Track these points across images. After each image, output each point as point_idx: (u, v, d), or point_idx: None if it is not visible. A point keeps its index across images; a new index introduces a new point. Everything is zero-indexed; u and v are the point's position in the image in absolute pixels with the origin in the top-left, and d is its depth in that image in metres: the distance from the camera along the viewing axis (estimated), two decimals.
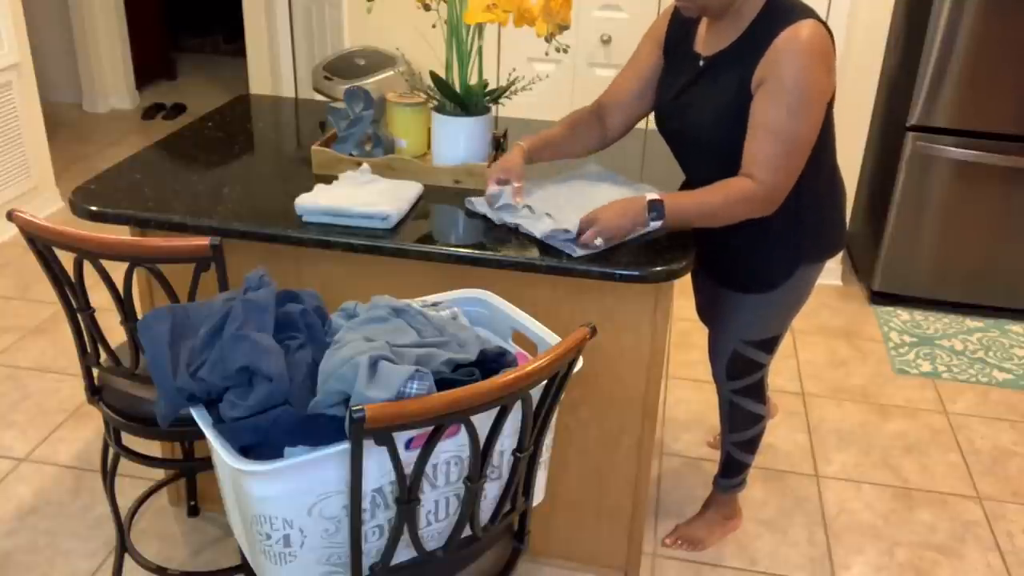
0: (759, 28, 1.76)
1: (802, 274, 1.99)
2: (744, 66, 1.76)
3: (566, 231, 1.81)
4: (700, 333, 3.38)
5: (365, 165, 2.07)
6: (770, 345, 2.11)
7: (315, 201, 1.88)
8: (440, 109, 2.08)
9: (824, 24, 1.74)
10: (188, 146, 2.30)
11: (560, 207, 1.92)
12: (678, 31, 1.95)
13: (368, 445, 1.19)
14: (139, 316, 1.55)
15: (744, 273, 2.01)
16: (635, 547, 2.20)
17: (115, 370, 1.84)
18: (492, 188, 1.93)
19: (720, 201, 1.79)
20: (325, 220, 1.87)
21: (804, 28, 1.70)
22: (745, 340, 2.09)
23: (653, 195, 1.81)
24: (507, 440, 1.38)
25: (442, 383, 1.28)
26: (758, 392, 2.19)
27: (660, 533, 2.41)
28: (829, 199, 1.98)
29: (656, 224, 1.81)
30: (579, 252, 1.79)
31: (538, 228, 1.84)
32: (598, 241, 1.78)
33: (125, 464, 2.44)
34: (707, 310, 2.25)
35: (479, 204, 1.96)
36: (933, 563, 2.36)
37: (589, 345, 1.94)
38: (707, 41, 1.87)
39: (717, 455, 2.70)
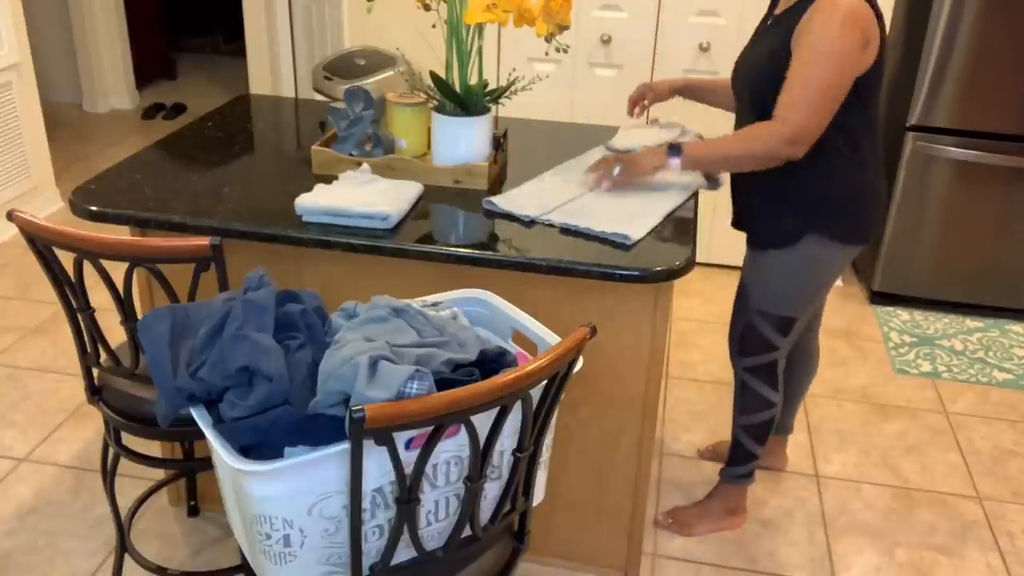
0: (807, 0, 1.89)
1: (816, 247, 2.04)
2: (787, 26, 1.91)
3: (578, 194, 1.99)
4: (700, 333, 3.39)
5: (365, 165, 2.07)
6: (783, 326, 2.14)
7: (315, 201, 1.88)
8: (440, 109, 2.08)
9: (872, 3, 1.86)
10: (188, 146, 2.30)
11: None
12: None
13: (368, 445, 1.19)
14: (139, 316, 1.55)
15: (758, 224, 2.12)
16: (635, 547, 2.20)
17: (115, 370, 1.84)
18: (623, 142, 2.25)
19: (742, 138, 1.92)
20: (325, 220, 1.87)
21: (829, 1, 1.84)
22: (759, 310, 2.14)
23: (684, 137, 1.98)
24: (507, 440, 1.38)
25: (442, 383, 1.28)
26: (770, 376, 2.22)
27: (660, 533, 2.41)
28: (858, 181, 2.01)
29: (675, 161, 1.93)
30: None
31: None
32: (615, 172, 1.97)
33: (125, 464, 2.44)
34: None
35: (500, 202, 2.04)
36: (933, 563, 2.36)
37: (589, 345, 1.94)
38: (782, 2, 2.02)
39: (718, 455, 2.71)
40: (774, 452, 2.63)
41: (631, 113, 2.34)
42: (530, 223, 1.91)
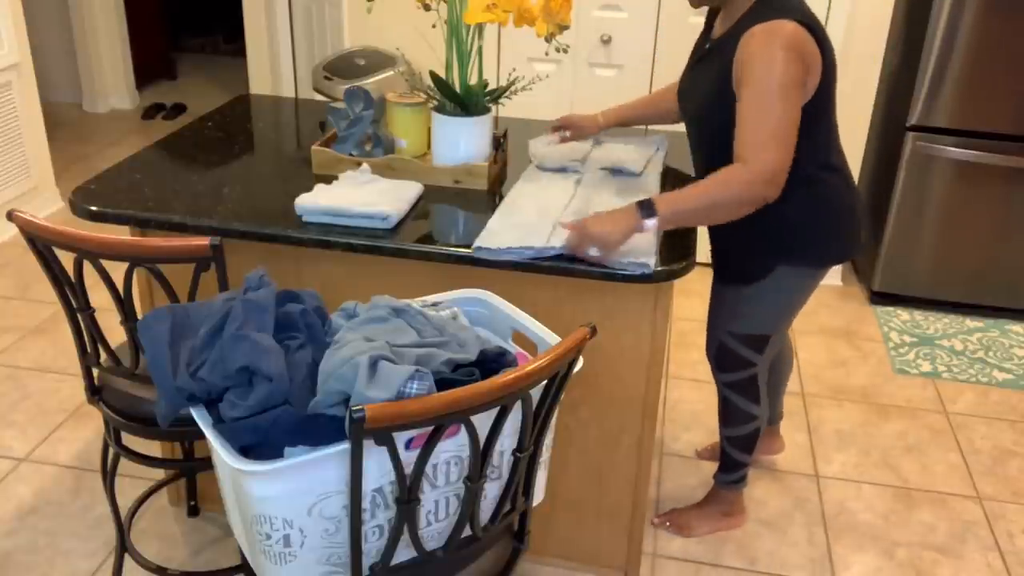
0: (744, 23, 1.82)
1: (787, 276, 2.00)
2: (724, 58, 1.84)
3: (552, 248, 1.77)
4: (700, 333, 3.38)
5: (365, 165, 2.07)
6: (758, 344, 2.11)
7: (315, 201, 1.88)
8: (440, 109, 2.08)
9: (810, 25, 1.77)
10: (188, 146, 2.30)
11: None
12: (711, 14, 2.06)
13: (368, 445, 1.19)
14: (139, 316, 1.55)
15: (722, 262, 2.10)
16: (635, 547, 2.20)
17: (115, 370, 1.84)
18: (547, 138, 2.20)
19: (714, 188, 1.76)
20: (325, 220, 1.87)
21: (772, 24, 1.75)
22: (730, 331, 2.12)
23: (640, 197, 1.80)
24: (507, 440, 1.38)
25: (442, 383, 1.28)
26: (750, 391, 2.19)
27: (660, 533, 2.41)
28: (822, 206, 1.95)
29: (651, 222, 1.75)
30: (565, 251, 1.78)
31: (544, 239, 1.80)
32: (592, 252, 1.74)
33: (125, 464, 2.44)
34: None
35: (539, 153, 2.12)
36: (933, 563, 2.36)
37: (589, 345, 1.95)
38: (718, 26, 1.97)
39: (717, 455, 2.71)
40: (766, 441, 2.62)
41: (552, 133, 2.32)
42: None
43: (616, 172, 2.15)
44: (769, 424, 2.60)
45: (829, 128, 1.95)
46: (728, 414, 2.25)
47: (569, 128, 2.30)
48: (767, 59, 1.73)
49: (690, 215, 1.78)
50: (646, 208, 1.75)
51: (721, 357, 2.17)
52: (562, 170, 2.16)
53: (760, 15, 1.78)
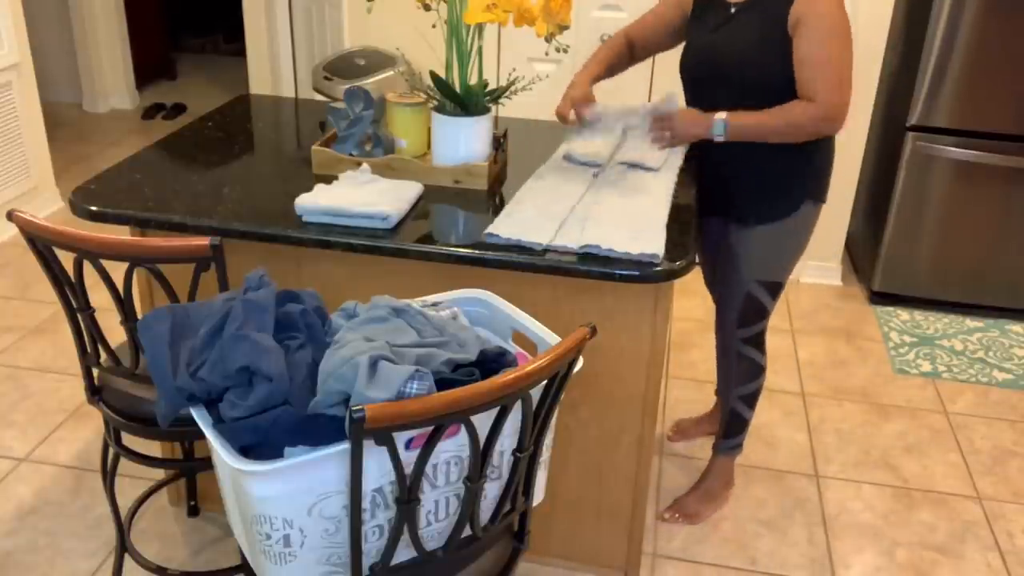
0: None
1: (806, 212, 2.17)
2: (776, 8, 2.00)
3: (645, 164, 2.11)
4: (700, 333, 3.39)
5: (365, 165, 2.07)
6: (777, 290, 2.26)
7: (315, 201, 1.88)
8: (440, 109, 2.08)
9: None
10: (188, 146, 2.30)
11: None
12: None
13: (368, 445, 1.19)
14: (139, 316, 1.55)
15: (756, 201, 2.17)
16: (635, 547, 2.20)
17: (115, 370, 1.84)
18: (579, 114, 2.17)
19: (778, 120, 2.01)
20: (325, 220, 1.87)
21: None
22: (758, 280, 2.22)
23: (722, 114, 2.02)
24: (507, 440, 1.38)
25: (442, 383, 1.28)
26: (760, 342, 2.33)
27: (660, 533, 2.42)
28: (829, 142, 2.16)
29: (720, 138, 2.03)
30: (656, 161, 2.14)
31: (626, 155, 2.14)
32: (667, 136, 2.08)
33: (125, 464, 2.44)
34: (715, 262, 2.40)
35: (573, 151, 2.18)
36: (933, 563, 2.36)
37: (589, 345, 1.94)
38: None
39: (687, 435, 2.79)
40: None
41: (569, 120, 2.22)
42: (543, 252, 1.79)
43: (634, 167, 2.18)
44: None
45: None
46: (741, 371, 2.34)
47: (576, 104, 2.17)
48: (830, 5, 1.96)
49: (755, 133, 2.04)
50: (719, 128, 2.03)
51: (746, 311, 2.26)
52: (586, 164, 2.21)
53: None
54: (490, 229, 1.84)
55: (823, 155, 2.16)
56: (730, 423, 2.42)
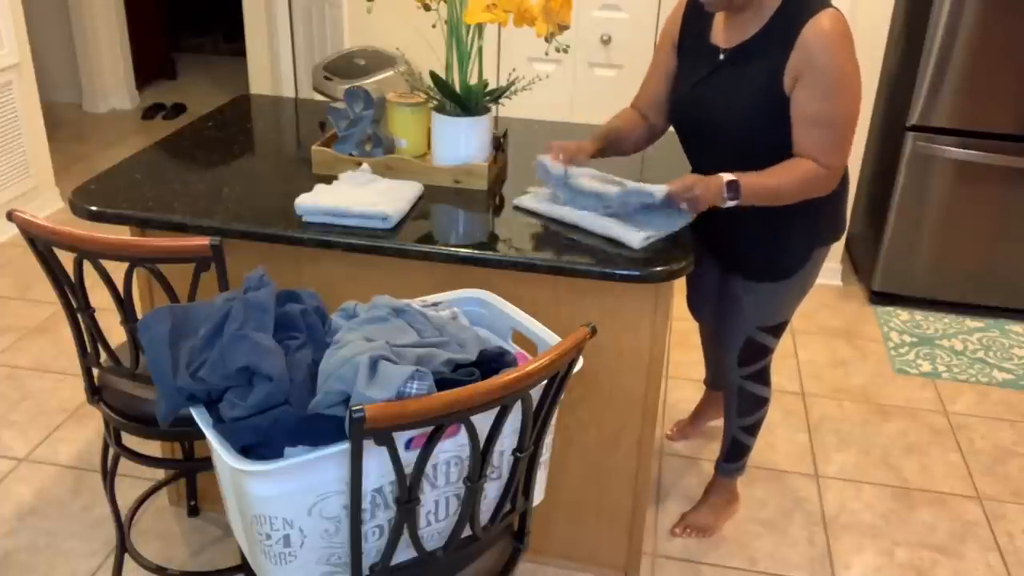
0: (781, 21, 1.82)
1: (815, 258, 2.06)
2: (771, 59, 1.82)
3: (648, 193, 1.84)
4: (700, 332, 3.38)
5: (365, 165, 2.07)
6: (780, 330, 2.16)
7: (315, 201, 1.88)
8: (440, 109, 2.08)
9: (838, 10, 1.81)
10: (188, 146, 2.30)
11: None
12: (693, 25, 1.99)
13: (368, 445, 1.19)
14: (139, 316, 1.55)
15: (764, 261, 2.05)
16: (635, 547, 2.20)
17: (115, 370, 1.84)
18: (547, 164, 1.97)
19: (789, 182, 1.85)
20: (325, 220, 1.87)
21: (825, 18, 1.77)
22: (760, 326, 2.13)
23: (729, 176, 1.84)
24: (507, 440, 1.38)
25: (442, 383, 1.28)
26: (765, 375, 2.24)
27: (660, 533, 2.42)
28: (842, 183, 2.01)
29: (732, 203, 1.85)
30: (659, 200, 1.84)
31: (610, 191, 1.88)
32: (684, 206, 1.85)
33: (125, 464, 2.44)
34: (709, 303, 2.33)
35: (529, 200, 2.00)
36: (933, 563, 2.36)
37: (589, 345, 1.94)
38: (726, 34, 1.91)
39: (714, 458, 2.70)
40: (716, 405, 2.72)
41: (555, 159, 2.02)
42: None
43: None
44: (714, 388, 2.70)
45: None
46: (744, 405, 2.27)
47: (563, 153, 2.03)
48: (831, 56, 1.77)
49: (762, 200, 1.87)
50: (732, 190, 1.83)
51: (747, 353, 2.18)
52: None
53: (800, 12, 1.79)
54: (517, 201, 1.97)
55: (832, 199, 1.98)
56: (731, 450, 2.36)
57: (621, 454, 2.10)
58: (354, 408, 1.15)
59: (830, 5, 1.80)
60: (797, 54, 1.78)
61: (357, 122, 2.15)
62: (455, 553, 1.41)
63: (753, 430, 2.32)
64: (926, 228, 3.49)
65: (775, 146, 1.87)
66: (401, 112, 2.15)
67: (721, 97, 1.91)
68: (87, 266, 1.71)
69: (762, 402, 2.27)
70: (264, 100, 2.83)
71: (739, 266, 2.10)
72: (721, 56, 1.91)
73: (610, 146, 2.10)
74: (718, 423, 2.69)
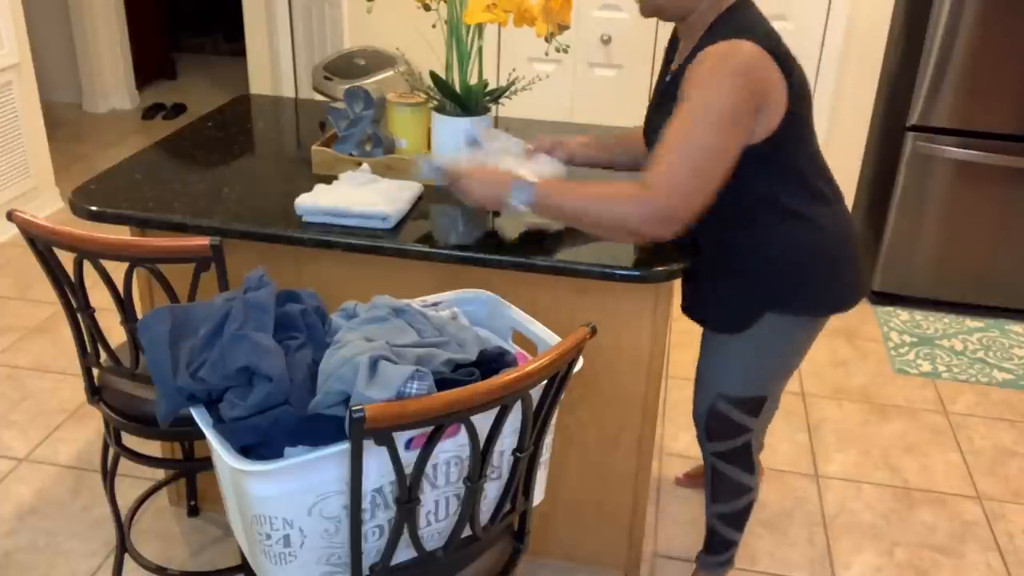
0: (702, 43, 1.64)
1: (777, 326, 1.78)
2: (680, 85, 1.64)
3: (437, 167, 1.83)
4: (700, 333, 3.38)
5: (365, 165, 2.07)
6: (751, 406, 1.89)
7: (315, 201, 1.88)
8: (440, 109, 2.08)
9: (772, 47, 1.59)
10: (188, 146, 2.30)
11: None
12: (672, 44, 1.89)
13: (368, 445, 1.19)
14: (139, 316, 1.55)
15: (709, 306, 1.87)
16: (635, 547, 2.20)
17: (115, 370, 1.84)
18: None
19: (597, 198, 1.61)
20: (325, 220, 1.87)
21: (726, 44, 1.57)
22: (721, 393, 1.89)
23: (531, 178, 1.69)
24: (507, 440, 1.38)
25: (442, 383, 1.28)
26: (743, 459, 1.97)
27: (660, 533, 2.42)
28: (811, 245, 1.73)
29: (522, 208, 1.68)
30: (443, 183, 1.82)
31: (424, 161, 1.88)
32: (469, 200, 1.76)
33: (125, 464, 2.45)
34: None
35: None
36: (933, 563, 2.36)
37: (589, 345, 1.95)
38: (677, 59, 1.80)
39: (698, 483, 2.58)
40: None
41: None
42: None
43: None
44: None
45: (810, 158, 1.72)
46: (718, 488, 2.01)
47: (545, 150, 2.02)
48: (712, 83, 1.55)
49: (567, 214, 1.67)
50: (522, 192, 1.67)
51: (712, 424, 1.93)
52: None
53: (718, 33, 1.61)
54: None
55: (796, 253, 1.72)
56: (711, 539, 2.10)
57: (621, 454, 2.10)
58: (354, 408, 1.15)
59: (746, 34, 1.58)
60: (686, 75, 1.61)
61: (357, 122, 2.15)
62: (455, 553, 1.41)
63: (732, 521, 2.05)
64: (926, 228, 3.49)
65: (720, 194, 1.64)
66: (401, 112, 2.15)
67: (657, 130, 1.68)
68: (87, 266, 1.71)
69: (741, 490, 2.00)
70: (264, 100, 2.83)
71: (697, 309, 1.90)
72: (668, 78, 1.78)
73: (604, 150, 2.02)
74: (769, 523, 2.44)
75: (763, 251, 1.73)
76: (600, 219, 1.61)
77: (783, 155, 1.67)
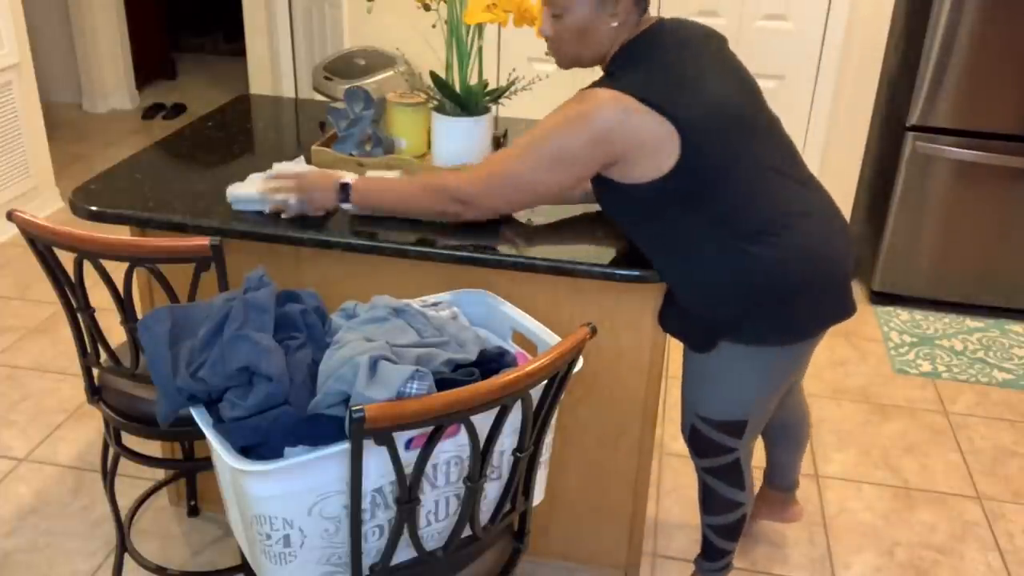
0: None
1: (736, 355, 1.74)
2: None
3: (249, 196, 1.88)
4: None
5: (301, 158, 2.11)
6: (730, 429, 1.85)
7: (236, 191, 1.93)
8: (440, 109, 2.08)
9: (657, 88, 1.59)
10: (188, 146, 2.30)
11: None
12: None
13: (368, 445, 1.19)
14: (139, 316, 1.55)
15: (673, 320, 1.83)
16: (635, 547, 2.20)
17: (115, 370, 1.84)
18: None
19: (412, 185, 1.79)
20: (251, 208, 1.91)
21: (587, 91, 1.63)
22: (700, 415, 1.86)
23: (347, 177, 1.83)
24: (507, 440, 1.38)
25: (442, 383, 1.29)
26: (733, 476, 1.94)
27: (660, 533, 2.42)
28: (754, 282, 1.65)
29: (347, 206, 1.83)
30: (268, 210, 1.88)
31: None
32: (292, 200, 1.84)
33: (125, 464, 2.44)
34: None
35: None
36: (933, 563, 2.36)
37: (589, 345, 1.95)
38: None
39: None
40: (783, 507, 2.34)
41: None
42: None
43: None
44: (786, 490, 2.31)
45: (741, 192, 1.64)
46: (709, 501, 1.99)
47: None
48: (554, 119, 1.61)
49: (387, 206, 1.83)
50: (345, 192, 1.81)
51: (695, 442, 1.91)
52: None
53: (606, 75, 1.68)
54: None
55: (734, 286, 1.66)
56: (705, 548, 2.08)
57: (621, 454, 2.10)
58: (354, 408, 1.15)
59: (623, 79, 1.61)
60: None
61: (357, 122, 2.15)
62: (455, 553, 1.41)
63: (725, 534, 2.02)
64: (926, 228, 3.49)
65: (635, 223, 1.70)
66: (401, 112, 2.15)
67: None
68: (87, 266, 1.71)
69: (731, 505, 1.97)
70: (264, 100, 2.83)
71: (666, 314, 1.87)
72: None
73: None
74: (769, 523, 2.43)
75: (702, 281, 1.69)
76: (415, 206, 1.79)
77: (699, 193, 1.63)
